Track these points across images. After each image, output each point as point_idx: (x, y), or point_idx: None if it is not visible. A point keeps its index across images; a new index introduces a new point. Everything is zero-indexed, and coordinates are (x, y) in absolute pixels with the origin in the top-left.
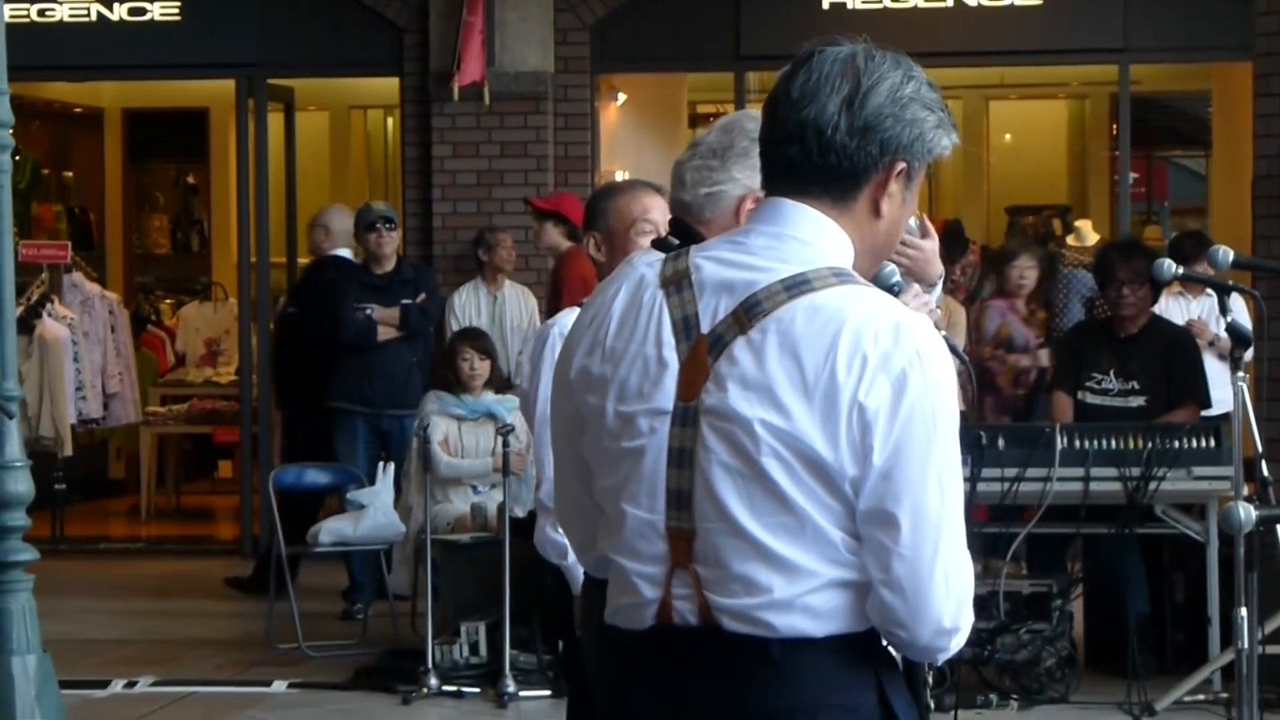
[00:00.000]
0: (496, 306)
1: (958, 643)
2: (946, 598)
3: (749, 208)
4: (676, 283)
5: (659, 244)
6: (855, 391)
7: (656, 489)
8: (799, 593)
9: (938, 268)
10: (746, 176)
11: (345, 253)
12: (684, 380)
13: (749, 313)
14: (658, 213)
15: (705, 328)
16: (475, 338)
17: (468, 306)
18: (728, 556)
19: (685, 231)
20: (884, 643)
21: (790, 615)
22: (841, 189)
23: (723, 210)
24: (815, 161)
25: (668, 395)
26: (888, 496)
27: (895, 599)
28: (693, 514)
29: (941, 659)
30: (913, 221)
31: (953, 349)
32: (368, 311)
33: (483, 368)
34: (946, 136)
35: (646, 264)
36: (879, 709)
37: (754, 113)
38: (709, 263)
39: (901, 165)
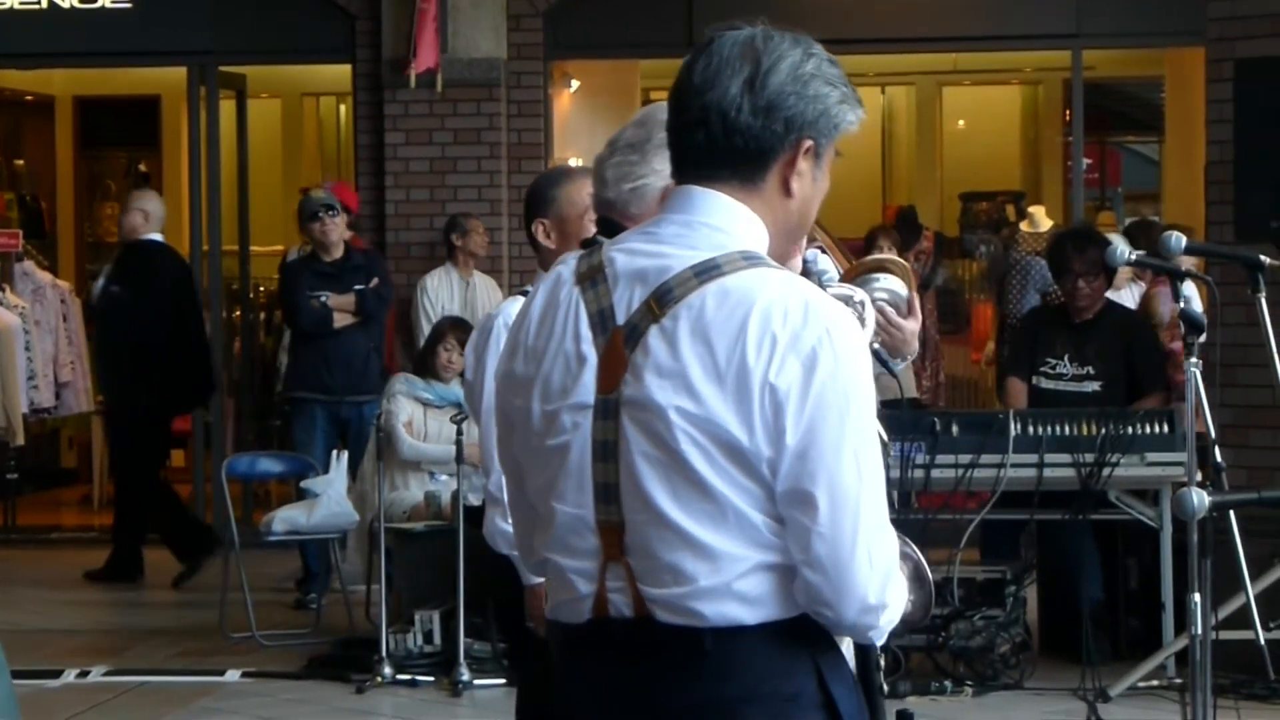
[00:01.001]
0: (469, 292)
1: (888, 619)
2: (870, 574)
3: None
4: (591, 278)
5: (587, 244)
6: (766, 372)
7: (584, 484)
8: (727, 580)
9: (913, 346)
10: (668, 168)
11: (159, 236)
12: (603, 373)
13: (660, 301)
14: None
15: (620, 319)
16: (462, 328)
17: (440, 292)
18: (656, 547)
19: (612, 229)
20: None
21: (720, 603)
22: (750, 170)
23: (648, 204)
24: (721, 145)
25: (588, 389)
26: (803, 476)
27: (818, 578)
28: (620, 506)
29: (875, 637)
30: (900, 290)
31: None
32: (322, 299)
33: (459, 360)
34: (852, 112)
35: (562, 263)
36: (819, 695)
37: (666, 104)
38: (622, 255)
39: (809, 143)
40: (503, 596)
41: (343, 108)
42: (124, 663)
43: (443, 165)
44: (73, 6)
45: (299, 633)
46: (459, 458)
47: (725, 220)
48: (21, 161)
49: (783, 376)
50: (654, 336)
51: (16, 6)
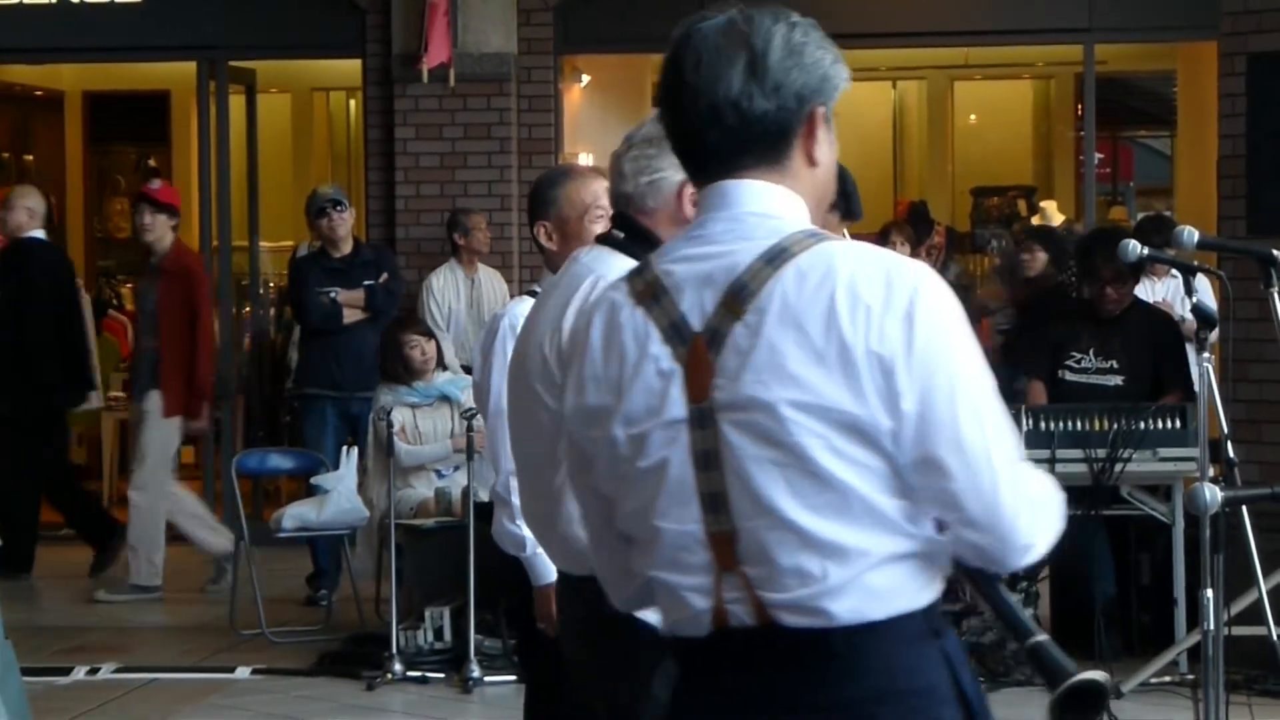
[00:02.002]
0: (474, 289)
1: (1043, 547)
2: (1018, 515)
3: (690, 193)
4: (651, 293)
5: (604, 239)
6: (867, 342)
7: (687, 498)
8: (856, 574)
9: None
10: None
11: (42, 234)
12: (691, 383)
13: (737, 297)
14: (606, 198)
15: (697, 326)
16: (414, 323)
17: (446, 290)
18: (775, 551)
19: (629, 223)
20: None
21: (849, 599)
22: (775, 153)
23: (665, 197)
24: (740, 137)
25: (678, 403)
26: (928, 439)
27: (977, 535)
28: (730, 515)
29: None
30: None
31: None
32: (331, 295)
33: (431, 348)
34: (844, 68)
35: (613, 289)
36: (952, 687)
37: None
38: (677, 264)
39: (821, 109)
40: (512, 596)
41: (353, 103)
42: (134, 660)
43: (453, 160)
44: (82, 1)
45: (309, 629)
46: (469, 452)
47: (769, 205)
48: (31, 157)
49: (885, 343)
50: (740, 334)
51: (26, 1)
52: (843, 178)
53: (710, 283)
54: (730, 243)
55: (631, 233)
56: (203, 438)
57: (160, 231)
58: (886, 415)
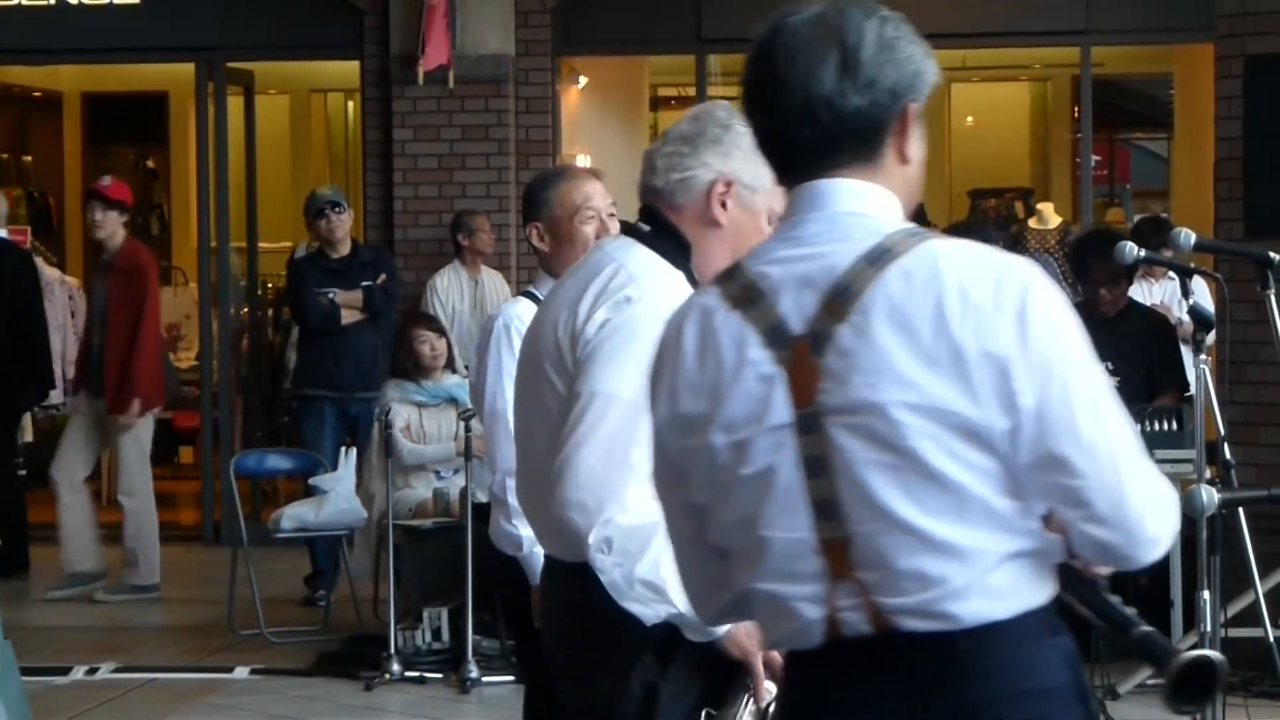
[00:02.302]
0: (478, 290)
1: (1169, 541)
2: (1144, 508)
3: (720, 191)
4: (747, 296)
5: (628, 229)
6: (979, 343)
7: (797, 506)
8: (975, 576)
9: None
10: (718, 162)
11: (3, 233)
12: (795, 388)
13: (840, 298)
14: (598, 199)
15: (798, 329)
16: (426, 320)
17: (450, 291)
18: (893, 556)
19: (655, 217)
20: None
21: (972, 601)
22: (868, 150)
23: (694, 195)
24: (833, 133)
25: (782, 408)
26: (1045, 436)
27: (1103, 531)
28: (843, 520)
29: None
30: None
31: None
32: (330, 296)
33: (441, 345)
34: (934, 63)
35: (703, 294)
36: (1074, 687)
37: (724, 102)
38: (773, 266)
39: (913, 105)
40: (510, 596)
41: (351, 104)
42: (132, 659)
43: (451, 161)
44: (80, 3)
45: (307, 630)
46: (467, 453)
47: (866, 205)
48: (30, 158)
49: (998, 342)
50: (846, 337)
51: (25, 3)
52: None
53: (809, 284)
54: (828, 244)
55: (657, 227)
56: (198, 440)
57: (111, 228)
58: (1002, 415)
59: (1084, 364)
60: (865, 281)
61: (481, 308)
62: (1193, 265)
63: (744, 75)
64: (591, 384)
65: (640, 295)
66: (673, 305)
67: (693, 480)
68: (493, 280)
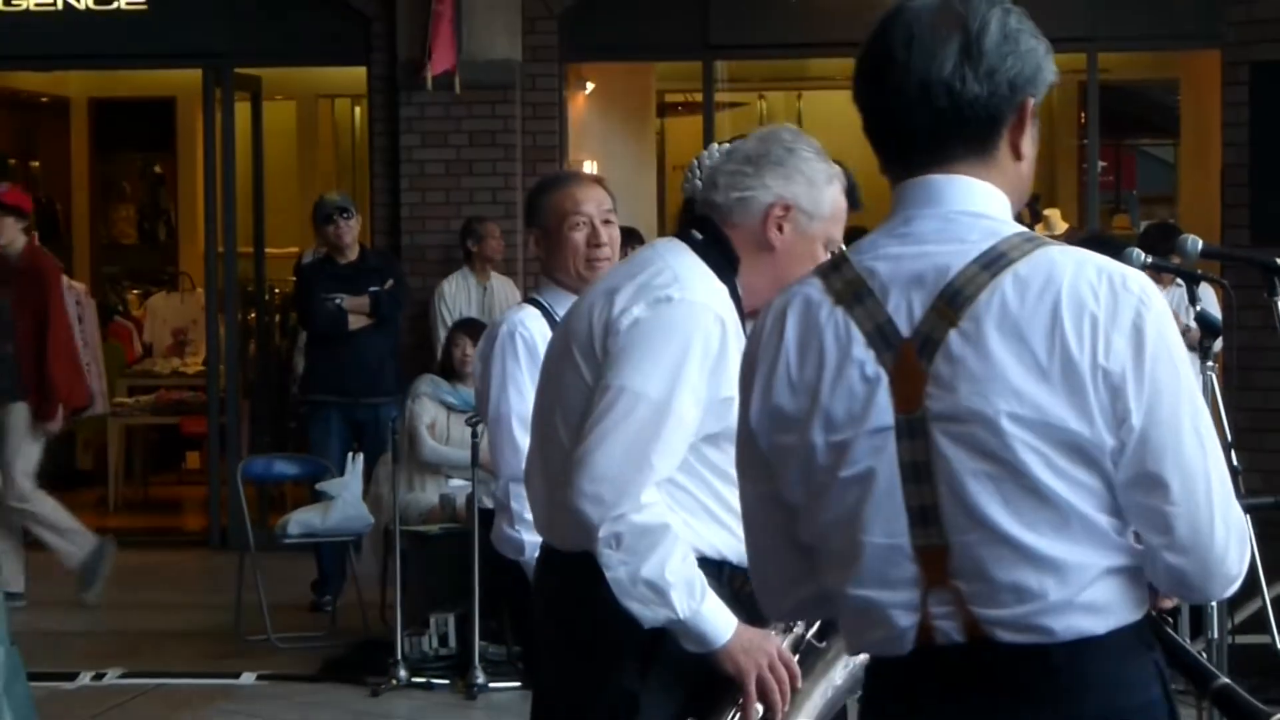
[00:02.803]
0: (487, 297)
1: (1241, 579)
2: (1229, 545)
3: (777, 215)
4: (854, 293)
5: (683, 235)
6: (1094, 357)
7: (895, 511)
8: (1075, 591)
9: None
10: (779, 185)
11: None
12: (899, 391)
13: (952, 303)
14: (591, 205)
15: (905, 331)
16: (472, 328)
17: (458, 296)
18: (991, 567)
19: (710, 229)
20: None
21: (1069, 616)
22: (983, 142)
23: (752, 215)
24: (949, 120)
25: (885, 411)
26: (1149, 458)
27: (1182, 560)
28: (942, 528)
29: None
30: None
31: None
32: (337, 301)
33: (474, 352)
34: (1053, 61)
35: (805, 285)
36: (1165, 703)
37: (791, 126)
38: (882, 263)
39: (1031, 100)
40: (515, 602)
41: (358, 110)
42: (139, 665)
43: (458, 168)
44: (88, 8)
45: (314, 635)
46: (474, 460)
47: (982, 204)
48: (37, 163)
49: (1113, 358)
50: (955, 343)
51: (32, 8)
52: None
53: (919, 284)
54: (941, 243)
55: (711, 238)
56: (205, 445)
57: (10, 235)
58: (1110, 433)
59: (1192, 387)
60: (978, 287)
61: (490, 314)
62: (1200, 272)
63: (859, 57)
64: (621, 378)
65: (680, 297)
66: (712, 313)
67: (785, 477)
68: (503, 287)
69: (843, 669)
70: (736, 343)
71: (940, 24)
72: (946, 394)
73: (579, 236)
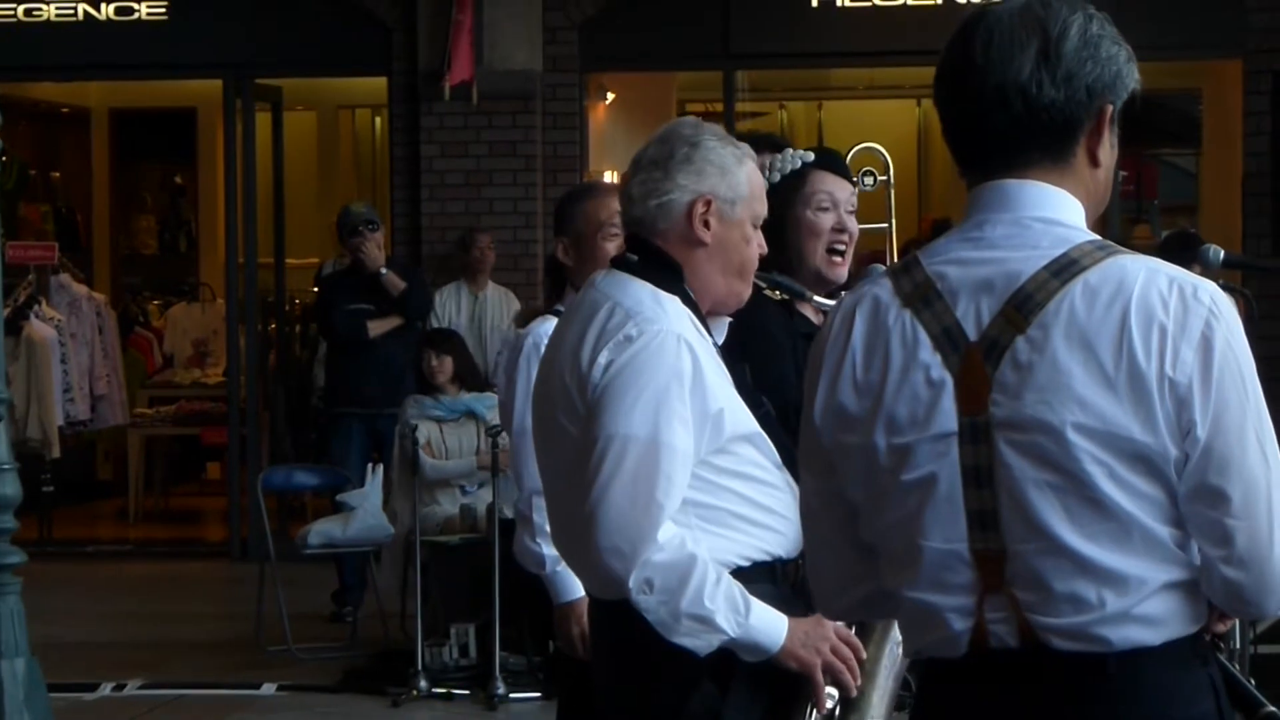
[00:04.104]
0: (477, 306)
1: None
2: None
3: (700, 211)
4: (922, 296)
5: (618, 262)
6: (1162, 368)
7: (955, 516)
8: (1133, 603)
9: None
10: (692, 182)
11: None
12: (964, 395)
13: (1021, 309)
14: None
15: (973, 335)
16: (435, 339)
17: (448, 305)
18: (1049, 576)
19: (643, 246)
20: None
21: (1126, 627)
22: (1059, 148)
23: (675, 219)
24: (1025, 125)
25: (949, 415)
26: (1211, 470)
27: (1240, 574)
28: (1000, 534)
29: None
30: None
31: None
32: (364, 308)
33: (441, 365)
34: (1135, 68)
35: (876, 285)
36: (1218, 716)
37: (690, 119)
38: (953, 266)
39: (1110, 107)
40: (535, 614)
41: (378, 120)
42: (160, 675)
43: (478, 178)
44: (109, 19)
45: (335, 646)
46: (494, 469)
47: (1055, 211)
48: (57, 174)
49: (1180, 369)
50: (1022, 350)
51: (53, 19)
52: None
53: (988, 289)
54: (1013, 249)
55: (646, 256)
56: (226, 456)
57: None
58: (1174, 444)
59: (1259, 402)
60: (1048, 294)
61: (479, 322)
62: (1221, 282)
63: (941, 60)
64: (606, 427)
65: (639, 331)
66: (674, 336)
67: (847, 475)
68: (496, 296)
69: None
70: (707, 353)
71: (1020, 28)
72: (1011, 401)
73: (612, 247)
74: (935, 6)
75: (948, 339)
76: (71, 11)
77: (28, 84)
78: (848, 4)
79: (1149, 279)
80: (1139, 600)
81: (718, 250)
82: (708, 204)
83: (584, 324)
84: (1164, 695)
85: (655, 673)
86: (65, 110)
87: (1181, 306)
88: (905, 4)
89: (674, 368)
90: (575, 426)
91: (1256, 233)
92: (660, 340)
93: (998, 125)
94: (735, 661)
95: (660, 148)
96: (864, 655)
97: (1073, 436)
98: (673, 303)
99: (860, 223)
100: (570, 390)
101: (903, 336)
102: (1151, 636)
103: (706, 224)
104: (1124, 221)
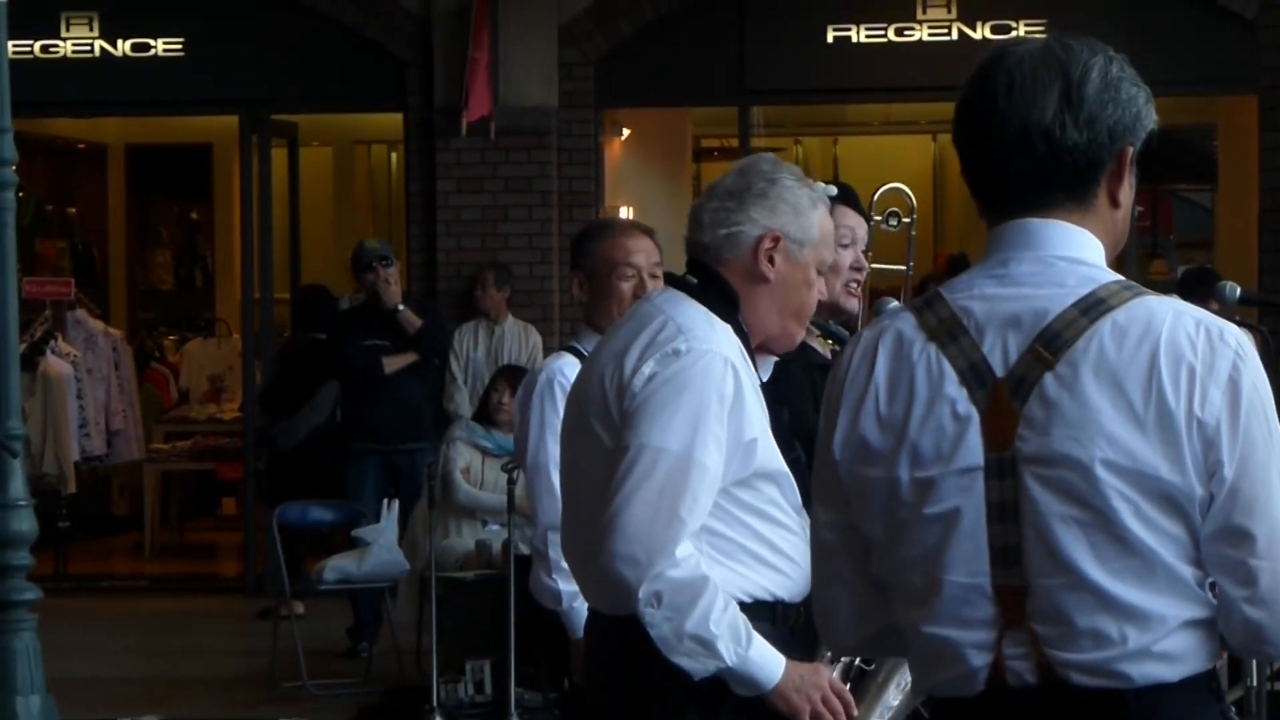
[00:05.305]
0: (494, 340)
1: None
2: None
3: (767, 247)
4: (949, 331)
5: (676, 282)
6: (1190, 408)
7: (978, 551)
8: (1153, 640)
9: None
10: (764, 217)
11: None
12: (990, 430)
13: (1049, 346)
14: (641, 256)
15: (999, 371)
16: (513, 374)
17: (465, 339)
18: (1071, 611)
19: (704, 271)
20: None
21: (1146, 664)
22: (1082, 189)
23: (741, 251)
24: (1048, 167)
25: (975, 451)
26: (1237, 510)
27: (1263, 614)
28: (1023, 570)
29: None
30: None
31: None
32: (380, 344)
33: (510, 405)
34: (1153, 110)
35: (898, 320)
36: None
37: (769, 155)
38: (978, 302)
39: (1130, 148)
40: (552, 648)
41: (394, 156)
42: (175, 711)
43: (494, 213)
44: (125, 55)
45: (350, 682)
46: (510, 507)
47: (1080, 251)
48: (74, 209)
49: (1208, 410)
50: (1051, 386)
51: (70, 55)
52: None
53: (1016, 326)
54: (1039, 286)
55: (705, 280)
56: (241, 491)
57: None
58: (1200, 484)
59: (1279, 436)
60: (1077, 332)
61: (495, 356)
62: (1237, 318)
63: (960, 101)
64: (640, 437)
65: (688, 348)
66: (721, 358)
67: (863, 510)
68: (516, 330)
69: (896, 690)
70: (750, 382)
71: (1042, 70)
72: (1039, 437)
73: (627, 287)
74: (951, 42)
75: (974, 374)
76: (88, 48)
77: (44, 120)
78: (863, 39)
79: (1176, 320)
80: (1160, 637)
81: (779, 288)
82: (776, 241)
83: (633, 333)
84: None
85: (647, 695)
86: (82, 146)
87: (1209, 348)
88: (920, 39)
89: (717, 388)
90: (606, 431)
91: (1273, 269)
92: (708, 360)
93: (1021, 167)
94: (727, 693)
95: (738, 179)
96: (855, 712)
97: (1101, 473)
98: (725, 329)
99: (879, 261)
100: (608, 394)
101: (928, 370)
102: (1170, 673)
103: (771, 260)
104: (1140, 257)
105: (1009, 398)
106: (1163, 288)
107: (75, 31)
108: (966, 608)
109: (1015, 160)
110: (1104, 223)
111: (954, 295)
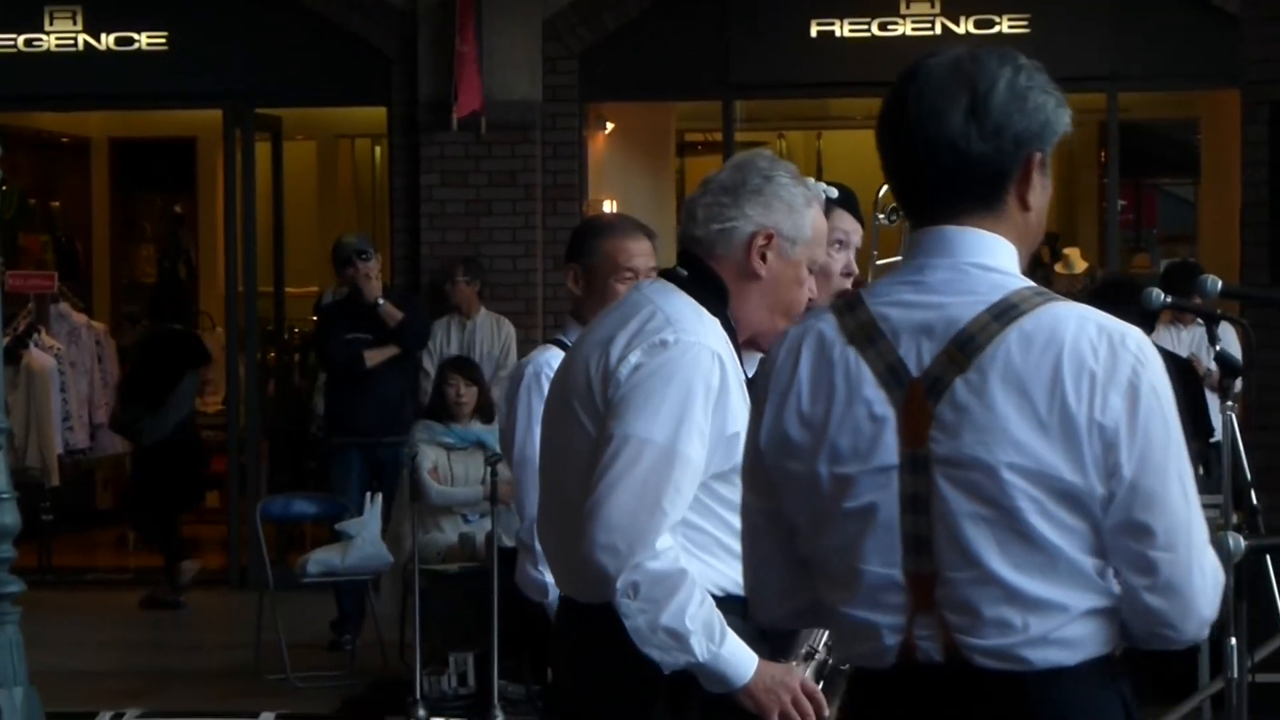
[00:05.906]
0: (466, 335)
1: (1212, 622)
2: (1204, 589)
3: (760, 244)
4: (867, 335)
5: (668, 274)
6: (1090, 412)
7: (893, 543)
8: (1054, 627)
9: None
10: (759, 214)
11: None
12: (905, 429)
13: (964, 349)
14: (641, 260)
15: (915, 372)
16: (462, 365)
17: (438, 334)
18: (978, 603)
19: (695, 264)
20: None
21: (1046, 649)
22: (991, 196)
23: (735, 246)
24: (957, 176)
25: (890, 449)
26: (1136, 506)
27: (1162, 602)
28: (933, 559)
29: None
30: None
31: None
32: (362, 338)
33: (469, 394)
34: (1066, 113)
35: (821, 321)
36: None
37: (766, 152)
38: (895, 308)
39: (1038, 155)
40: (538, 641)
41: (378, 150)
42: (159, 704)
43: (478, 207)
44: (109, 49)
45: (333, 674)
46: (493, 498)
47: (991, 257)
48: (57, 203)
49: (1108, 414)
50: (961, 391)
51: (53, 49)
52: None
53: (928, 333)
54: (952, 294)
55: (696, 273)
56: (225, 484)
57: None
58: (1101, 483)
59: (1179, 441)
60: (989, 336)
61: (468, 349)
62: (1220, 311)
63: (880, 112)
64: (625, 427)
65: (676, 340)
66: (708, 351)
67: (788, 499)
68: (489, 323)
69: None
70: (736, 376)
71: (949, 84)
72: (950, 439)
73: (623, 289)
74: (934, 37)
75: (892, 375)
76: (72, 42)
77: (28, 114)
78: (847, 34)
79: (1080, 327)
80: (1060, 625)
81: (770, 285)
82: (769, 238)
83: (621, 321)
84: (1078, 712)
85: (616, 684)
86: (65, 140)
87: (1110, 354)
88: (904, 34)
89: (704, 381)
90: (590, 419)
91: (1255, 262)
92: (695, 352)
93: (931, 177)
94: (696, 687)
95: (733, 174)
96: (826, 713)
97: (1007, 475)
98: (713, 323)
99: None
100: (593, 382)
101: (846, 372)
102: (1068, 657)
103: (764, 257)
104: (1123, 251)
105: (924, 397)
106: (1146, 281)
107: (59, 25)
108: (881, 593)
109: (926, 171)
110: (1016, 226)
111: (873, 300)
